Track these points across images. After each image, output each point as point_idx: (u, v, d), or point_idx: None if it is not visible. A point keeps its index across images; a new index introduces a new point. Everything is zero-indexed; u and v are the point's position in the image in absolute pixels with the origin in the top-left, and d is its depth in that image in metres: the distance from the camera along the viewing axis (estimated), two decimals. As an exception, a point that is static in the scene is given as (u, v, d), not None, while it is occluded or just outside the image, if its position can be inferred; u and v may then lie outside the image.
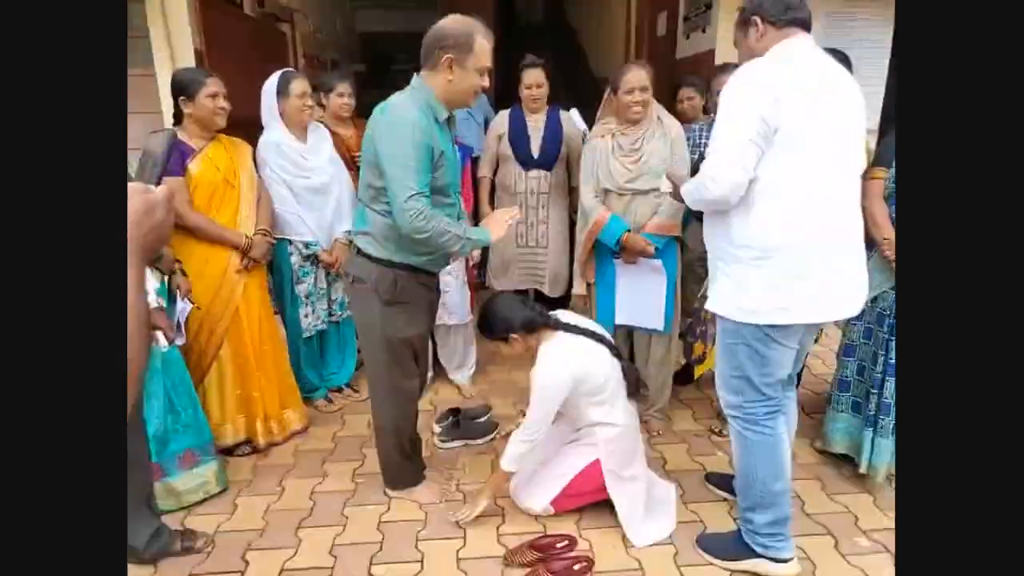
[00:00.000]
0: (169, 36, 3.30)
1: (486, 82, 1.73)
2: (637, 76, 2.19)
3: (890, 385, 2.01)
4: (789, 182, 1.49)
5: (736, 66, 1.63)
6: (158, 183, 0.71)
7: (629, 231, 2.27)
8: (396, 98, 1.74)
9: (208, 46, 3.47)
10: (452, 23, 1.68)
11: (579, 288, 2.60)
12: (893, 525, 1.96)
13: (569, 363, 1.82)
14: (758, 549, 1.73)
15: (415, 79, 1.75)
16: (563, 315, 1.98)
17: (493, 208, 3.01)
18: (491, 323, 1.92)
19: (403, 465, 2.07)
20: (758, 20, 1.55)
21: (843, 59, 2.07)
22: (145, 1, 3.19)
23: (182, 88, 2.01)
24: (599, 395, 1.87)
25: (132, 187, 0.67)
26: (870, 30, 3.69)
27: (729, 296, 1.61)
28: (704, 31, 3.84)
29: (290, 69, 2.41)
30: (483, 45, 1.66)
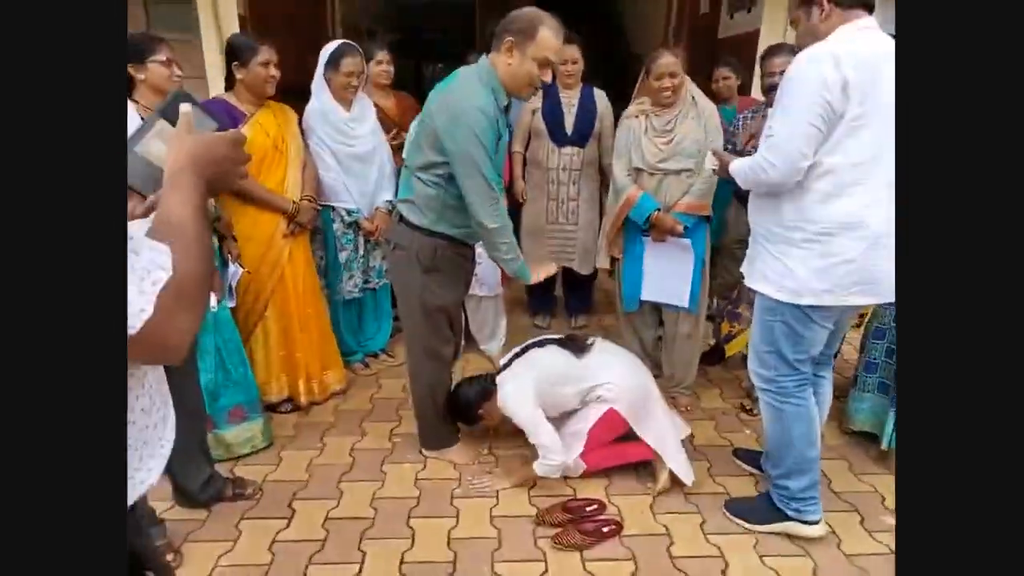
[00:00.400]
0: (215, 2, 3.35)
1: (547, 76, 1.73)
2: (667, 62, 2.21)
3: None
4: (847, 168, 1.50)
5: (790, 47, 1.62)
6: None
7: (659, 210, 2.30)
8: (465, 77, 1.76)
9: (252, 13, 3.52)
10: (523, 10, 1.71)
11: (603, 262, 2.67)
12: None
13: (520, 383, 1.98)
14: (791, 513, 1.80)
15: (483, 59, 1.77)
16: (501, 363, 2.13)
17: (525, 182, 3.05)
18: (462, 412, 2.11)
19: (438, 426, 2.15)
20: (824, 0, 1.53)
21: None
22: (191, -32, 3.24)
23: (236, 54, 2.06)
24: (566, 376, 2.01)
25: (183, 135, 0.73)
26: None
27: (773, 275, 1.64)
28: (749, 10, 3.77)
29: (349, 43, 2.41)
30: (547, 36, 1.67)
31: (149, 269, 0.60)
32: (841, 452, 2.27)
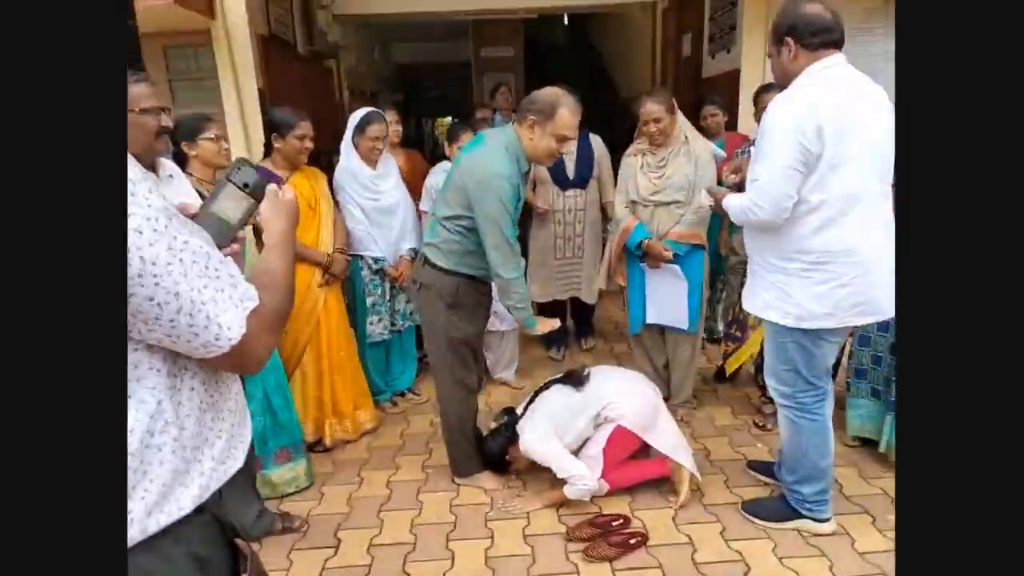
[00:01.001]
0: (236, 77, 3.67)
1: (565, 148, 1.96)
2: (649, 110, 2.47)
3: (886, 361, 2.20)
4: (835, 201, 1.61)
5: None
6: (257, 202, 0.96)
7: (650, 238, 2.53)
8: (493, 144, 1.97)
9: (269, 85, 3.84)
10: (545, 91, 1.95)
11: (602, 284, 2.93)
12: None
13: (536, 426, 2.14)
14: (805, 512, 1.96)
15: (510, 127, 2.01)
16: (519, 411, 2.29)
17: (534, 222, 3.32)
18: (492, 463, 2.28)
19: (468, 454, 2.30)
20: (791, 42, 1.62)
21: None
22: (214, 45, 3.57)
23: (276, 127, 2.31)
24: (574, 410, 2.16)
25: (277, 201, 0.95)
26: (888, 42, 3.85)
27: (776, 303, 1.75)
28: (729, 51, 4.06)
29: (376, 111, 2.67)
30: (564, 116, 1.89)
31: (243, 299, 0.79)
32: (851, 459, 2.39)
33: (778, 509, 2.00)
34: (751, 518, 2.03)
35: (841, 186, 1.60)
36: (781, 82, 1.73)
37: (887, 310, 1.71)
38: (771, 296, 1.77)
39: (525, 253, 3.25)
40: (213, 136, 1.99)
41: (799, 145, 1.57)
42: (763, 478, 2.27)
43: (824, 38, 1.61)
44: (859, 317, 1.71)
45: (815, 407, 1.86)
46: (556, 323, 2.19)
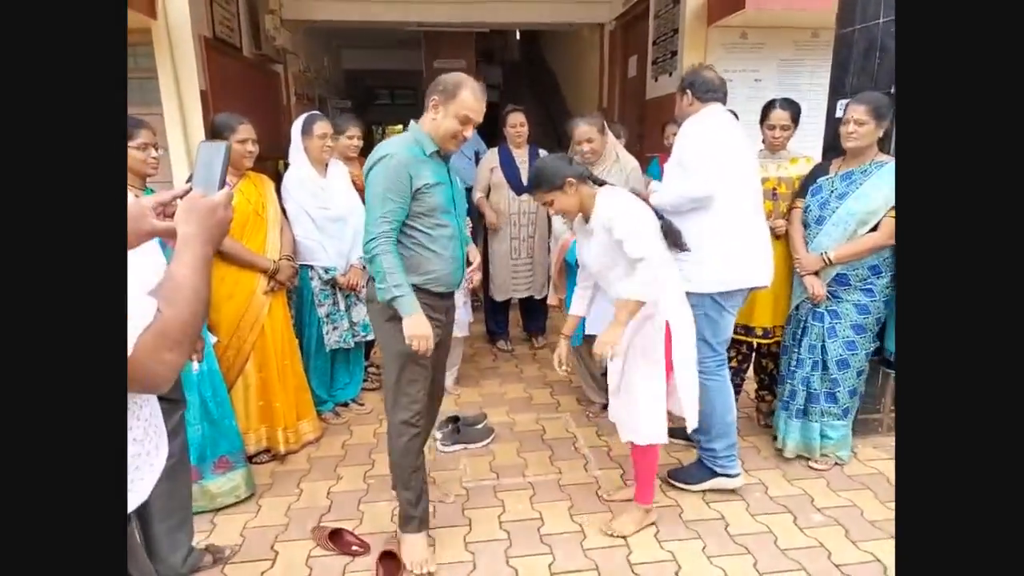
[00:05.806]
0: (177, 78, 3.57)
1: (467, 132, 1.87)
2: (582, 131, 2.64)
3: (800, 374, 2.45)
4: (727, 200, 2.11)
5: (675, 120, 2.32)
6: (221, 186, 0.90)
7: None
8: (389, 139, 1.99)
9: (212, 88, 3.75)
10: (450, 75, 1.91)
11: (551, 299, 3.09)
12: (844, 503, 2.27)
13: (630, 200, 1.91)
14: (718, 469, 2.29)
15: (412, 123, 1.95)
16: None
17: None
18: (548, 175, 1.95)
19: (409, 507, 2.00)
20: (688, 92, 2.19)
21: (794, 105, 2.54)
22: (154, 45, 3.47)
23: (216, 132, 2.27)
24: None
25: (194, 196, 0.86)
26: (815, 73, 4.17)
27: (691, 276, 2.15)
28: (671, 75, 4.25)
29: (316, 112, 2.72)
30: (466, 97, 1.84)
31: (133, 316, 0.74)
32: (776, 464, 2.54)
33: (696, 473, 2.32)
34: (676, 483, 2.32)
35: (732, 191, 2.10)
36: (679, 118, 2.25)
37: (763, 280, 2.23)
38: (685, 272, 2.13)
39: (484, 260, 3.62)
40: (139, 144, 1.83)
41: (715, 143, 2.10)
42: (680, 442, 2.61)
43: (711, 95, 2.18)
44: (744, 282, 2.19)
45: (717, 370, 2.25)
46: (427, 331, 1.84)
